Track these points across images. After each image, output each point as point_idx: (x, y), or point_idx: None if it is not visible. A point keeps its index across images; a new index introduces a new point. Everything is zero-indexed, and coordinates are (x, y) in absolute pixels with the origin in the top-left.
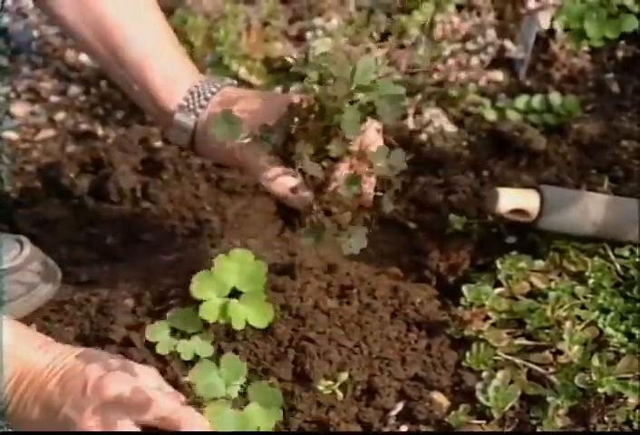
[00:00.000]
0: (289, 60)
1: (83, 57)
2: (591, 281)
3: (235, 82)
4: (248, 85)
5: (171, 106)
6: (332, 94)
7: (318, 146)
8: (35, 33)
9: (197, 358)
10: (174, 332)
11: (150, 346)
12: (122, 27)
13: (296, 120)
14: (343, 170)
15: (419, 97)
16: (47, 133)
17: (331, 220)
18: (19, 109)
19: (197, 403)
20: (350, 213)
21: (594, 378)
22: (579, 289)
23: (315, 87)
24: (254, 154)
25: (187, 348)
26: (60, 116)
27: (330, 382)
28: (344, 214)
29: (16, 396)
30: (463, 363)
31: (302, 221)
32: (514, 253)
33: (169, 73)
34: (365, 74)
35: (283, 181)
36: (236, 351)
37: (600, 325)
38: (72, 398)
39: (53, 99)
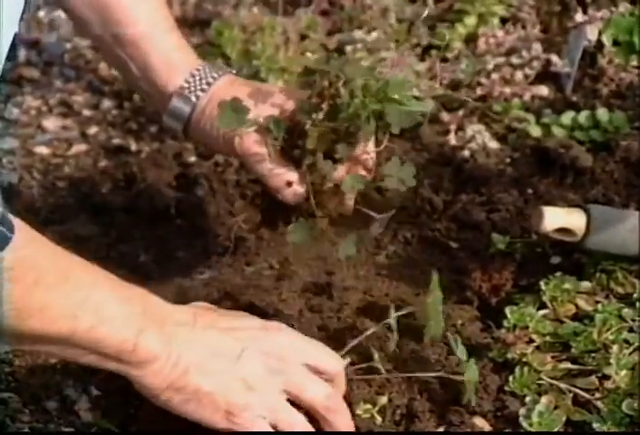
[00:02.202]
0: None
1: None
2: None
3: (234, 71)
4: None
5: (170, 88)
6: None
7: (325, 145)
8: (68, 46)
9: None
10: None
11: None
12: (123, 6)
13: (308, 116)
14: (340, 173)
15: (461, 112)
16: (79, 148)
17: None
18: (51, 123)
19: None
20: (327, 219)
21: None
22: (627, 312)
23: (341, 89)
24: (255, 144)
25: None
26: (92, 130)
27: (369, 406)
28: (323, 219)
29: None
30: (506, 388)
31: (286, 219)
32: (559, 274)
33: (169, 55)
34: (397, 90)
35: (280, 174)
36: None
37: None
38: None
39: (86, 113)
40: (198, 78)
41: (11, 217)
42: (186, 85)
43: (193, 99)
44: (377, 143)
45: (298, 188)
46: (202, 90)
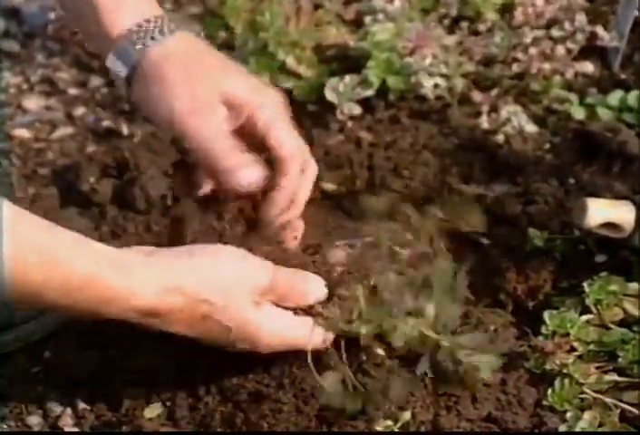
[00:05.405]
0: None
1: None
2: None
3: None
4: (297, 77)
5: (116, 30)
6: None
7: None
8: (52, 16)
9: None
10: None
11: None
12: None
13: None
14: None
15: (495, 92)
16: (64, 131)
17: None
18: (32, 102)
19: None
20: None
21: None
22: None
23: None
24: (210, 128)
25: None
26: (79, 111)
27: (390, 423)
28: None
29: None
30: (544, 402)
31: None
32: (604, 274)
33: None
34: None
35: (238, 153)
36: (281, 385)
37: None
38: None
39: (72, 91)
40: (152, 24)
41: None
42: (136, 29)
43: (139, 46)
44: None
45: (255, 171)
46: (153, 38)
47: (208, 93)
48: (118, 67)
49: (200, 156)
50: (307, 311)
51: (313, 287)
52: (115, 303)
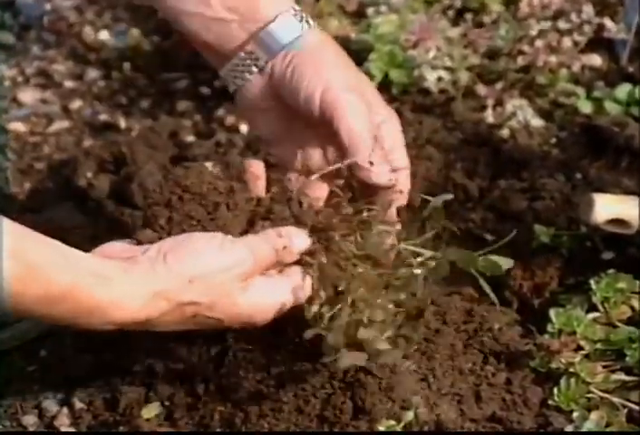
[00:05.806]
0: None
1: (103, 35)
2: None
3: None
4: None
5: (272, 12)
6: None
7: None
8: (48, 7)
9: None
10: None
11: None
12: None
13: None
14: None
15: (500, 85)
16: (61, 125)
17: None
18: (28, 95)
19: None
20: None
21: None
22: None
23: None
24: (361, 111)
25: None
26: (75, 104)
27: (392, 422)
28: None
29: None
30: (550, 402)
31: None
32: (612, 271)
33: None
34: None
35: (385, 173)
36: (281, 384)
37: None
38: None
39: (68, 84)
40: (302, 13)
41: None
42: (292, 12)
43: (302, 23)
44: None
45: (388, 173)
46: (308, 22)
47: (357, 87)
48: (263, 50)
49: (341, 135)
50: (296, 262)
51: (295, 242)
52: (97, 313)
